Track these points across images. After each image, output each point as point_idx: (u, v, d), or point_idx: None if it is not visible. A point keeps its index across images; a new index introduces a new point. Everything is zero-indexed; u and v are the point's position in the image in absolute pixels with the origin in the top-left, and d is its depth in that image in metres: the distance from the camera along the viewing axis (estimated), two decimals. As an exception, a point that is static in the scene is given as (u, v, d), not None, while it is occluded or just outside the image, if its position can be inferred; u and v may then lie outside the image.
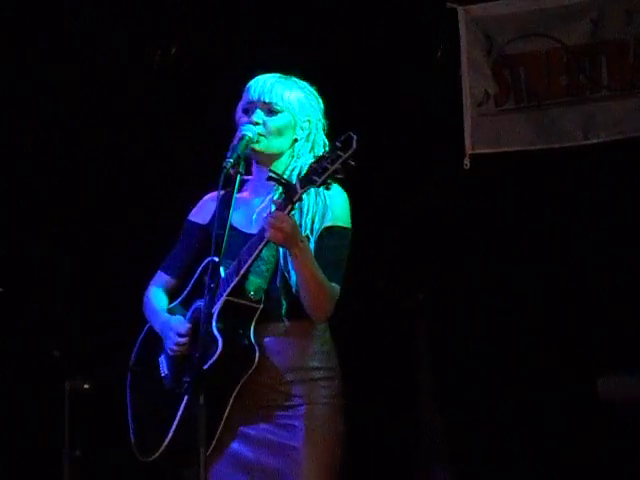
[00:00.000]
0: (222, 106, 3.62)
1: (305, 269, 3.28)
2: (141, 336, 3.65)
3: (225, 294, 3.32)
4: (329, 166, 3.12)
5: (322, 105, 3.55)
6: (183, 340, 3.36)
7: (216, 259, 3.29)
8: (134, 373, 3.60)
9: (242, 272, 3.30)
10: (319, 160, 3.15)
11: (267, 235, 3.22)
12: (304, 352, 3.40)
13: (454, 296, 4.96)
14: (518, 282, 4.91)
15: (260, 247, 3.28)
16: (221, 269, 3.33)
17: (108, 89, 5.30)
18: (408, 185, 5.01)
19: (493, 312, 4.90)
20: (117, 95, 5.30)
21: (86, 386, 4.49)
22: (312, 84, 3.56)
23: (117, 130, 5.30)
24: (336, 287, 3.37)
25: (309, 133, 3.50)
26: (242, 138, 3.41)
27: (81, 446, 4.46)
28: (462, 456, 4.87)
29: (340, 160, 3.11)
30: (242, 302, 3.34)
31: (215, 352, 3.27)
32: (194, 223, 3.61)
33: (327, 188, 3.17)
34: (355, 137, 3.11)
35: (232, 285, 3.31)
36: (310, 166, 3.17)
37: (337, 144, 3.13)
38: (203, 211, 3.61)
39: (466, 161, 4.96)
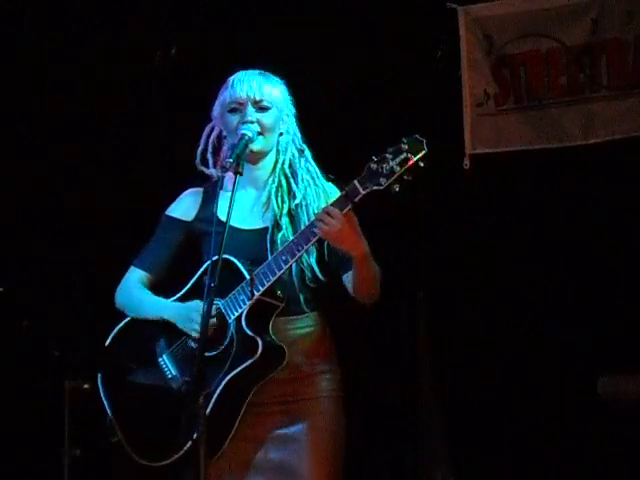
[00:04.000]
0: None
1: (367, 268, 3.29)
2: (117, 333, 3.60)
3: (258, 294, 3.29)
4: (398, 168, 3.12)
5: (291, 97, 3.57)
6: (211, 321, 3.30)
7: (234, 259, 3.29)
8: (113, 371, 3.56)
9: (282, 271, 3.27)
10: (382, 161, 3.13)
11: (317, 231, 3.20)
12: (311, 347, 3.43)
13: (454, 296, 4.96)
14: (518, 282, 4.90)
15: (308, 246, 3.26)
16: (242, 269, 3.32)
17: (108, 89, 5.30)
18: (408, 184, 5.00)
19: (493, 312, 4.90)
20: (117, 95, 5.29)
21: (86, 386, 4.48)
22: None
23: (117, 130, 5.30)
24: (376, 266, 3.37)
25: (289, 126, 3.53)
26: (242, 137, 3.41)
27: (81, 446, 4.45)
28: (462, 456, 4.87)
29: (410, 162, 3.11)
30: (268, 300, 3.33)
31: (254, 353, 3.27)
32: (173, 219, 3.59)
33: (394, 191, 3.15)
34: (424, 140, 3.11)
35: (268, 284, 3.29)
36: (369, 167, 3.16)
37: (403, 146, 3.12)
38: (183, 207, 3.60)
39: (466, 161, 4.96)
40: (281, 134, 3.53)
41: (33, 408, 5.16)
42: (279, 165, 3.50)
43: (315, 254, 3.41)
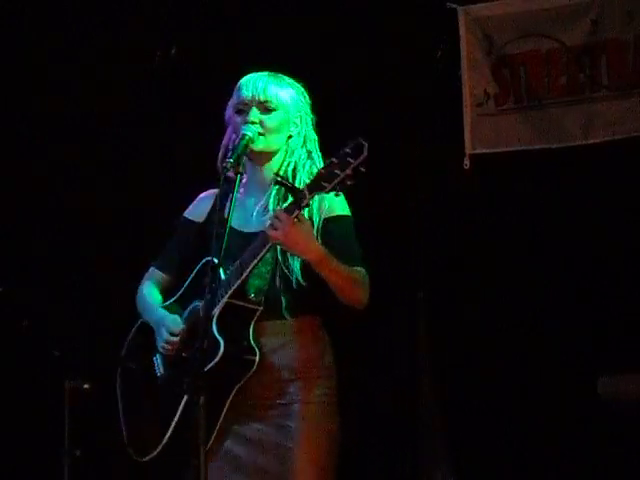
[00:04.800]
0: (222, 106, 3.63)
1: (329, 272, 3.29)
2: (132, 333, 3.64)
3: (226, 296, 3.32)
4: (339, 172, 3.12)
5: (309, 101, 3.57)
6: (174, 339, 3.37)
7: (215, 260, 3.29)
8: (126, 371, 3.60)
9: (245, 275, 3.29)
10: (328, 166, 3.14)
11: (268, 235, 3.22)
12: (301, 350, 3.41)
13: (454, 296, 4.96)
14: (518, 282, 4.90)
15: (264, 250, 3.27)
16: (220, 270, 3.33)
17: (108, 89, 5.30)
18: (408, 185, 5.01)
19: (493, 312, 4.90)
20: (117, 95, 5.30)
21: (86, 386, 4.49)
22: (307, 82, 3.57)
23: (117, 130, 5.30)
24: (361, 270, 3.37)
25: (300, 129, 3.52)
26: (243, 137, 3.41)
27: (81, 446, 4.45)
28: (462, 456, 4.87)
29: (350, 167, 3.11)
30: (242, 304, 3.34)
31: (217, 354, 3.27)
32: (190, 221, 3.62)
33: (337, 194, 3.17)
34: (366, 144, 3.11)
35: (233, 288, 3.31)
36: (319, 172, 3.17)
37: (347, 150, 3.12)
38: (199, 209, 3.61)
39: (466, 161, 4.97)
40: (290, 137, 3.52)
41: (33, 408, 5.17)
42: (283, 168, 3.50)
43: (300, 259, 3.40)
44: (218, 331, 3.29)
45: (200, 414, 2.99)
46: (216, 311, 3.31)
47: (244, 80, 3.52)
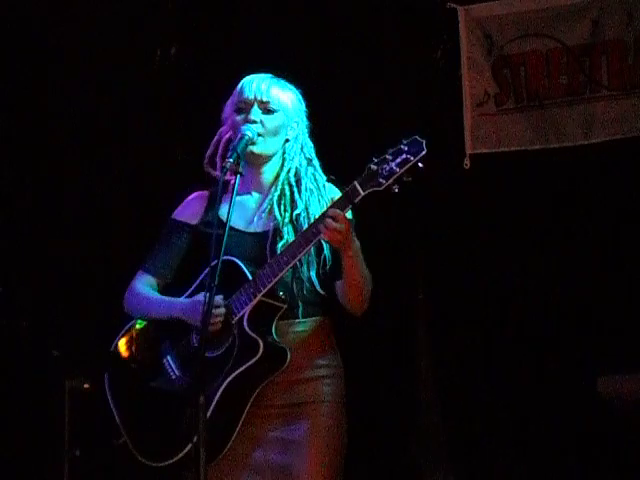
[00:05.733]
0: (221, 106, 3.63)
1: (357, 269, 3.30)
2: (121, 337, 3.59)
3: (260, 295, 3.30)
4: (397, 169, 3.14)
5: (306, 108, 3.57)
6: (222, 311, 3.27)
7: (237, 260, 3.29)
8: (119, 372, 3.55)
9: (284, 272, 3.28)
10: (382, 162, 3.16)
11: (323, 235, 3.21)
12: (313, 350, 3.41)
13: (454, 296, 4.96)
14: (518, 282, 4.91)
15: (308, 248, 3.26)
16: (245, 269, 3.32)
17: (108, 89, 5.30)
18: (408, 185, 5.00)
19: (493, 312, 4.90)
20: (117, 95, 5.30)
21: (86, 386, 4.49)
22: (306, 82, 3.57)
23: (117, 130, 5.30)
24: (367, 270, 3.38)
25: (297, 134, 3.52)
26: (242, 137, 3.40)
27: (81, 446, 4.45)
28: (462, 456, 4.87)
29: (410, 164, 3.13)
30: (272, 302, 3.33)
31: (255, 354, 3.27)
32: (180, 222, 3.58)
33: (393, 191, 3.17)
34: (424, 141, 3.12)
35: (270, 285, 3.29)
36: (370, 168, 3.17)
37: (403, 147, 3.13)
38: (189, 210, 3.59)
39: (466, 161, 4.97)
40: (287, 140, 3.52)
41: (33, 408, 5.17)
42: (284, 173, 3.49)
43: (315, 267, 3.40)
44: (252, 330, 3.29)
45: (201, 414, 2.99)
46: (247, 309, 3.30)
47: (246, 80, 3.51)
